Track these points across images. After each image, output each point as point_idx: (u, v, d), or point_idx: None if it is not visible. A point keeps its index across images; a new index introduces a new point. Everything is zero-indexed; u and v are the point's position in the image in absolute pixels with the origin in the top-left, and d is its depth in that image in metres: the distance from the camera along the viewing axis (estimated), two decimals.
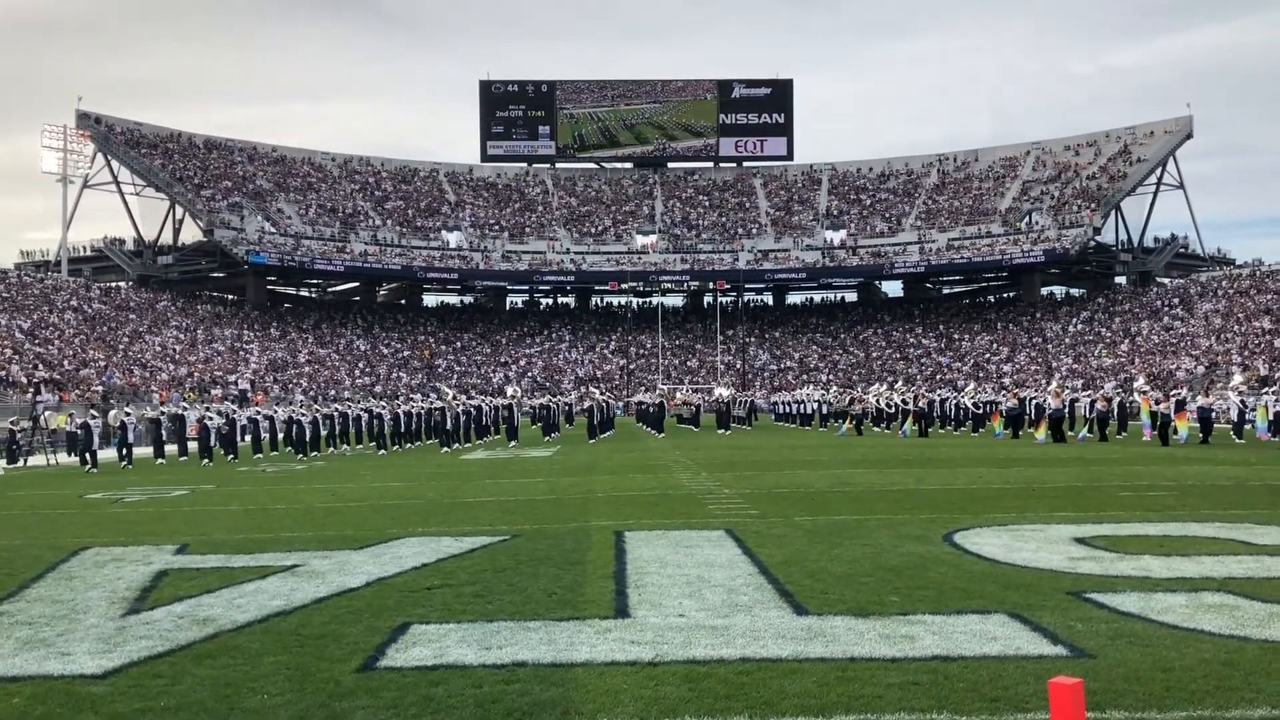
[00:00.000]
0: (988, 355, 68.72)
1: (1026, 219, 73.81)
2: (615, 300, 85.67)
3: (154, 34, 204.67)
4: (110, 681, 5.67)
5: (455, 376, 70.33)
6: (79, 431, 27.98)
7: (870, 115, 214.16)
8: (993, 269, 75.94)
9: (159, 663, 6.04)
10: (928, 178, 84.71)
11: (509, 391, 36.73)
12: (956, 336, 74.04)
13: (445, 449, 30.07)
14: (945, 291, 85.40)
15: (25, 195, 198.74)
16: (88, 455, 25.90)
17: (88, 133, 72.83)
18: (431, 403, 36.45)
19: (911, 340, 75.19)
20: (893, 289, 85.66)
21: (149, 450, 29.84)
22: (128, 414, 28.90)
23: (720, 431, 38.12)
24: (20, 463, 29.16)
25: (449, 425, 31.31)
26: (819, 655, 5.89)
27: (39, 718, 5.08)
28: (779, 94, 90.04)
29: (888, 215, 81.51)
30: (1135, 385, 37.08)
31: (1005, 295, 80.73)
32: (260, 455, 29.74)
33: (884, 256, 76.65)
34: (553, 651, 6.05)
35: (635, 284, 78.66)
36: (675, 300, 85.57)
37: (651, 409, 41.20)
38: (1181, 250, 76.05)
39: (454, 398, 33.87)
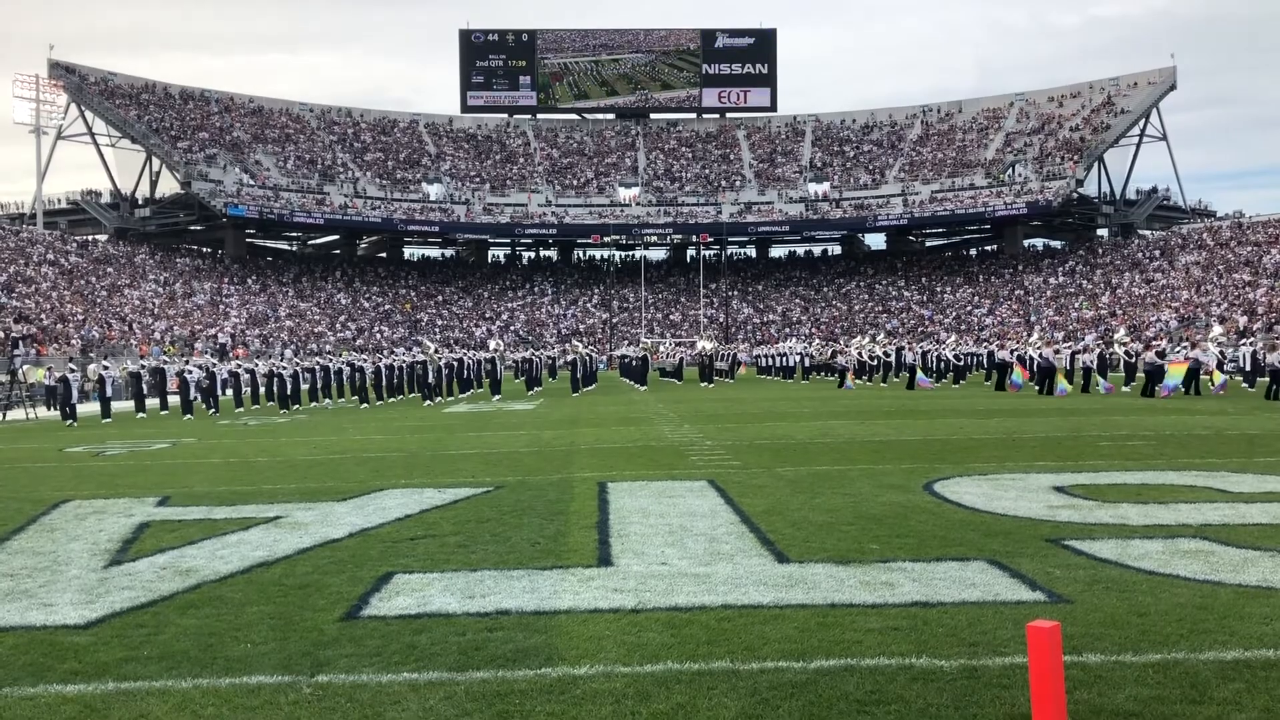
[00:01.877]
0: (969, 308, 68.94)
1: (1009, 171, 73.73)
2: (598, 253, 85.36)
3: None
4: (93, 631, 5.68)
5: (437, 330, 70.12)
6: (58, 385, 27.80)
7: (854, 66, 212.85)
8: (975, 221, 75.94)
9: (142, 613, 6.04)
10: (911, 129, 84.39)
11: (492, 345, 36.62)
12: (938, 289, 74.20)
13: (428, 402, 30.04)
14: (928, 244, 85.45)
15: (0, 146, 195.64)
16: (67, 409, 25.78)
17: (60, 83, 71.62)
18: (414, 356, 36.36)
19: (894, 293, 75.33)
20: (875, 241, 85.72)
21: (128, 404, 29.71)
22: (106, 367, 28.71)
23: (703, 384, 38.21)
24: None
25: (431, 379, 31.26)
26: (800, 602, 5.94)
27: (22, 667, 5.08)
28: (762, 44, 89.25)
29: (871, 167, 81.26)
30: (1116, 337, 37.26)
31: (987, 248, 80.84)
32: (241, 409, 29.64)
33: (867, 209, 76.52)
34: (536, 600, 6.09)
35: (618, 237, 78.31)
36: (658, 253, 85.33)
37: (635, 362, 41.19)
38: (1163, 202, 76.20)
39: (436, 351, 33.78)
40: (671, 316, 75.96)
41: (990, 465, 12.18)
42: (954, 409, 22.75)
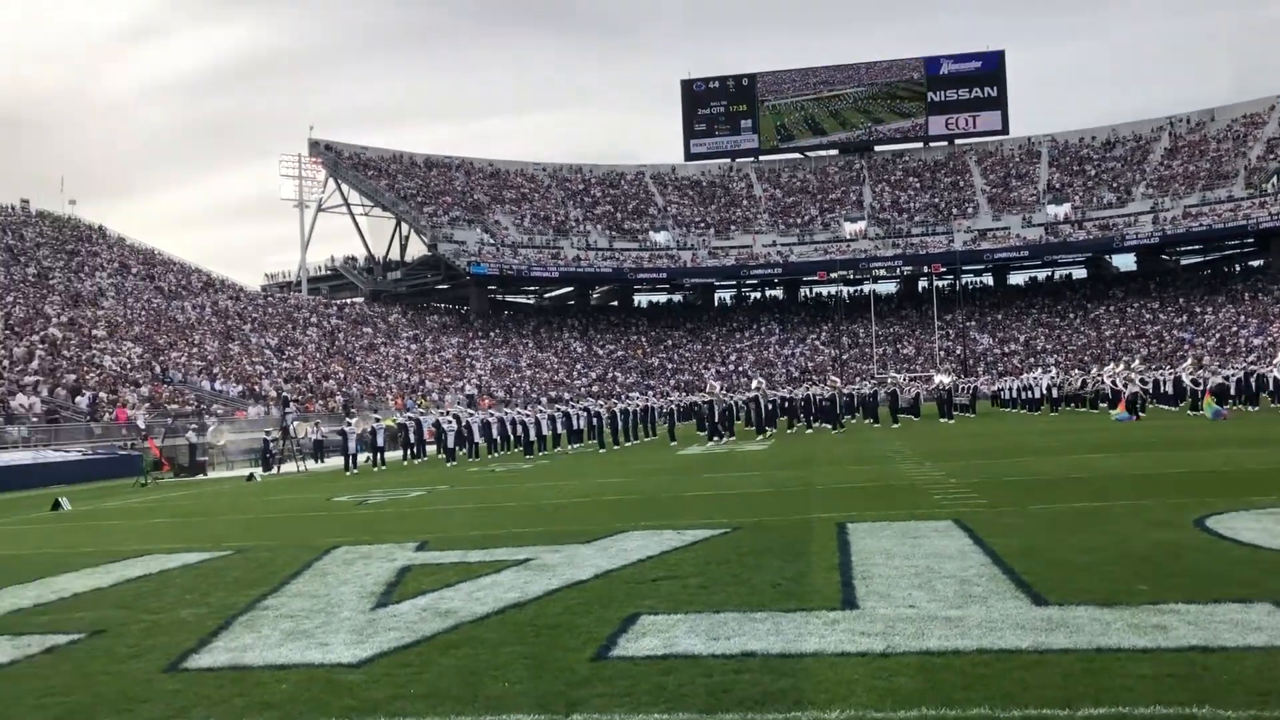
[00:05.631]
0: (1234, 328, 63.71)
1: (1274, 179, 67.97)
2: (825, 290, 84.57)
3: (377, 62, 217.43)
4: (365, 670, 6.03)
5: (668, 374, 71.21)
6: (339, 437, 30.36)
7: (1090, 82, 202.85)
8: (1236, 235, 70.39)
9: (407, 652, 6.37)
10: (1158, 143, 79.45)
11: (754, 384, 36.52)
12: (1198, 310, 69.04)
13: (713, 440, 30.08)
14: (1183, 262, 79.81)
15: (268, 221, 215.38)
16: (348, 459, 28.65)
17: (319, 159, 78.12)
18: (647, 400, 36.97)
19: (1147, 316, 70.68)
20: (1124, 263, 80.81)
21: (393, 454, 31.86)
22: (377, 420, 31.02)
23: (942, 420, 36.98)
24: (274, 470, 31.61)
25: (717, 418, 31.60)
26: (1062, 646, 5.61)
27: (305, 702, 5.45)
28: (990, 66, 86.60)
29: (1115, 185, 76.94)
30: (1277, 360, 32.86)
31: (1252, 263, 74.64)
32: (494, 455, 31.13)
33: (1113, 229, 72.39)
34: (781, 642, 6.01)
35: (845, 272, 77.40)
36: (888, 287, 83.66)
37: (824, 401, 39.10)
38: None
39: (723, 390, 34.14)
40: (904, 350, 74.11)
41: (1271, 498, 11.14)
42: (1223, 438, 21.01)
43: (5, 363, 38.97)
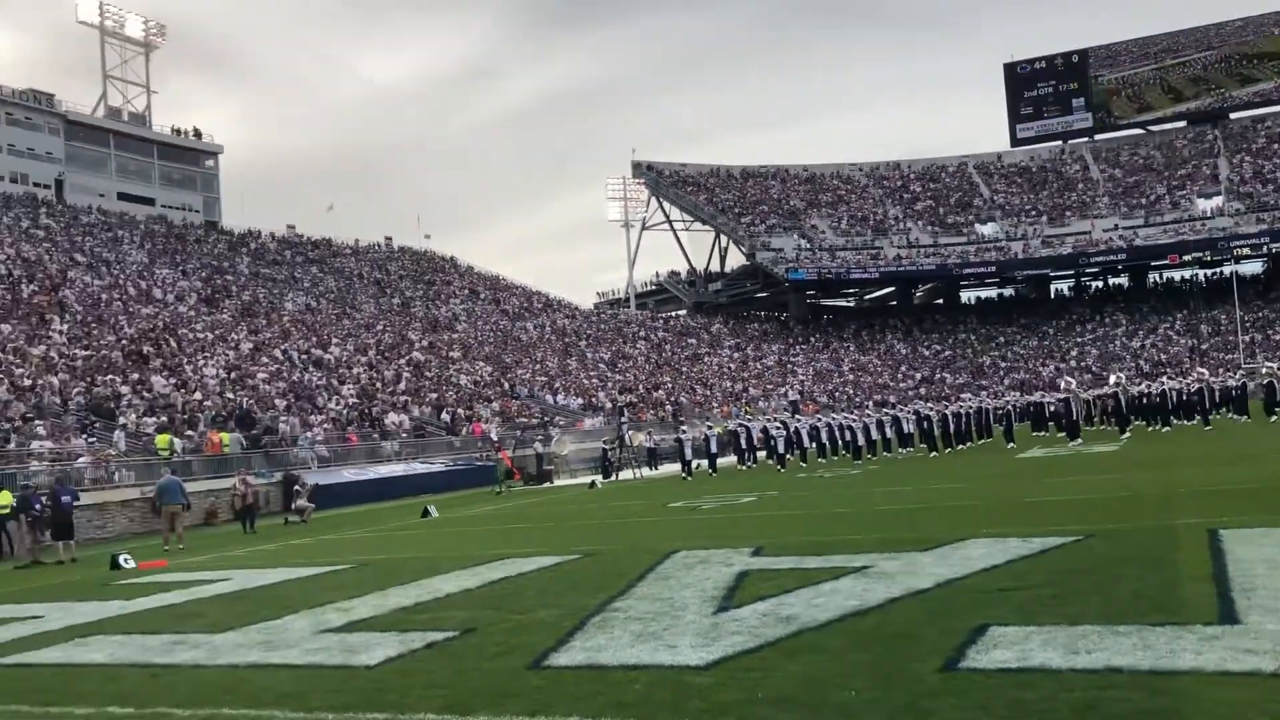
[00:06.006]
0: None
1: None
2: (1176, 275, 77.51)
3: (691, 81, 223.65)
4: (712, 673, 6.17)
5: (1000, 373, 67.95)
6: (674, 444, 31.78)
7: None
8: None
9: (751, 657, 6.46)
10: None
11: (1111, 380, 34.07)
12: None
13: (1073, 441, 28.46)
14: None
15: (597, 242, 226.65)
16: (684, 464, 29.81)
17: (642, 180, 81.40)
18: (980, 401, 35.47)
19: None
20: None
21: (724, 460, 32.54)
22: (709, 427, 31.99)
23: None
24: (613, 476, 33.16)
25: (1075, 417, 29.93)
26: None
27: (658, 704, 5.66)
28: None
29: None
30: None
31: None
32: (823, 460, 31.04)
33: None
34: (1151, 658, 5.56)
35: (1200, 254, 70.51)
36: (1252, 267, 75.38)
37: (1143, 399, 35.20)
38: None
39: (1079, 387, 32.43)
40: (1275, 337, 66.50)
41: None
42: None
43: (379, 384, 43.40)
